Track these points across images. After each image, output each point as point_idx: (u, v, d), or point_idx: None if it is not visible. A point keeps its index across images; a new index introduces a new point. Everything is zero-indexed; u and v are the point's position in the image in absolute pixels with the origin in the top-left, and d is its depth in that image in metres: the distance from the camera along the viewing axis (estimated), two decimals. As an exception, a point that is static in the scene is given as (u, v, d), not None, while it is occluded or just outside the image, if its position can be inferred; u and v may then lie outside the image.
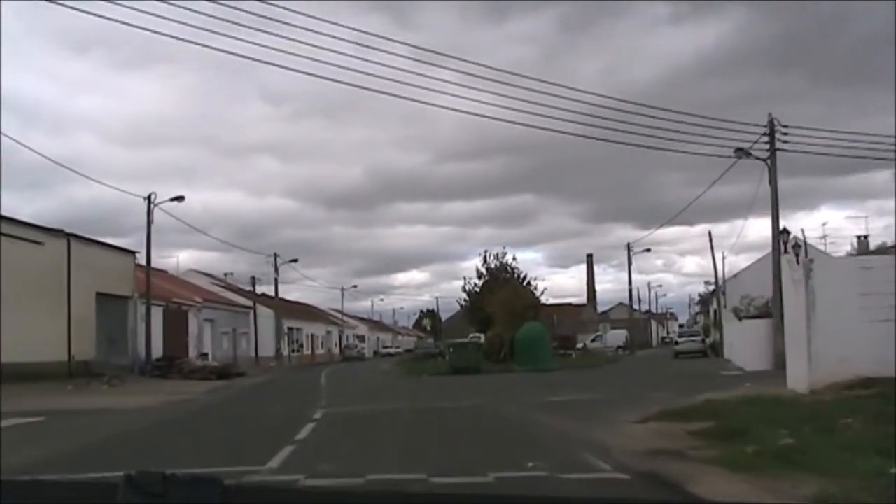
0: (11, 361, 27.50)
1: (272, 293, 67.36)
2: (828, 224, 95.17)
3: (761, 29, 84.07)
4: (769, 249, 33.32)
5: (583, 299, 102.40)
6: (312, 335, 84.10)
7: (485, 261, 61.34)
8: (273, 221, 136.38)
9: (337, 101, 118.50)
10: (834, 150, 29.57)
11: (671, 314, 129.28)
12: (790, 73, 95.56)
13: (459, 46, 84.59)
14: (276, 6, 20.41)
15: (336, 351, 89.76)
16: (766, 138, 30.36)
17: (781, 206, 31.42)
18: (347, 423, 15.55)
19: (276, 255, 64.89)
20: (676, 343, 54.57)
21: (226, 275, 73.06)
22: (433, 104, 29.66)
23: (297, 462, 9.73)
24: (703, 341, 52.69)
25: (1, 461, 9.01)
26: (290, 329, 73.88)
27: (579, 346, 62.18)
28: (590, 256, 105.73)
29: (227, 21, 19.75)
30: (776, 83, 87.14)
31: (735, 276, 54.33)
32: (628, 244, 66.81)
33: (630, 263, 66.38)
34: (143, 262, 39.95)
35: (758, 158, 30.62)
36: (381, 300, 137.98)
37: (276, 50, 20.73)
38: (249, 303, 64.10)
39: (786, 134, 30.41)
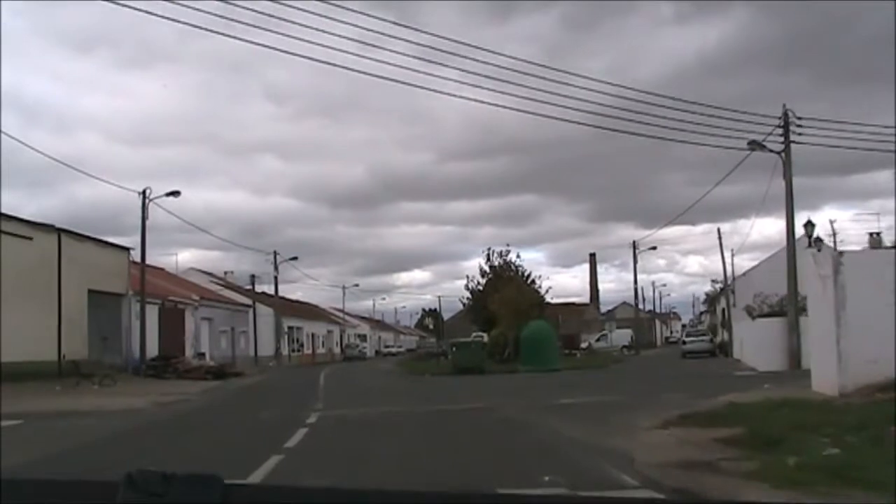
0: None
1: (273, 292, 66.55)
2: (836, 223, 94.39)
3: (765, 28, 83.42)
4: (776, 248, 32.54)
5: (585, 299, 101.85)
6: (313, 334, 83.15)
7: (488, 259, 60.28)
8: (276, 220, 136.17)
9: (340, 100, 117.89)
10: (846, 144, 29.11)
11: (674, 314, 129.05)
12: (794, 73, 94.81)
13: (463, 46, 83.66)
14: (280, 5, 20.00)
15: (337, 350, 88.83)
16: (779, 131, 29.89)
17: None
18: (344, 428, 14.54)
19: (275, 254, 64.26)
20: (684, 343, 54.05)
21: (226, 273, 72.23)
22: (440, 92, 28.99)
23: (280, 477, 8.57)
24: (712, 341, 52.01)
25: (0, 461, 8.65)
26: (290, 328, 72.98)
27: (583, 345, 61.32)
28: (593, 256, 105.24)
29: (232, 20, 19.18)
30: (780, 82, 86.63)
31: (745, 273, 53.26)
32: (634, 242, 65.78)
33: (636, 262, 65.49)
34: (138, 258, 39.02)
35: (772, 151, 30.14)
36: (384, 299, 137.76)
37: (278, 50, 21.00)
38: (248, 301, 63.09)
39: (800, 126, 30.01)
